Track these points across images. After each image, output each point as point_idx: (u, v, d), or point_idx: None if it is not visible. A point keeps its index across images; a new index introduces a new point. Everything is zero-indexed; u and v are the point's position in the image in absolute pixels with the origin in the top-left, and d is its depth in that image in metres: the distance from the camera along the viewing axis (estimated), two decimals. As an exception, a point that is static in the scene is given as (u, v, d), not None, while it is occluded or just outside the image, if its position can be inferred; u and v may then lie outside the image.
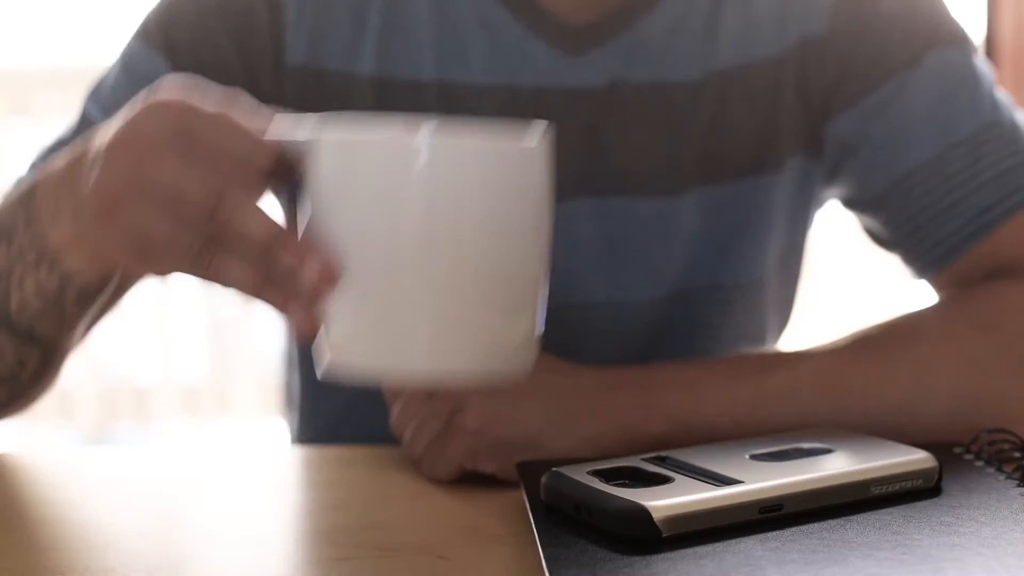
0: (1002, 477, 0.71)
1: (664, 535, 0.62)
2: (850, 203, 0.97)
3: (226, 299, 2.68)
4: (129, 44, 0.93)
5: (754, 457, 0.70)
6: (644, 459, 0.70)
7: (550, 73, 0.90)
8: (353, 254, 0.61)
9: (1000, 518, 0.64)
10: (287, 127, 0.64)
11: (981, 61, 0.94)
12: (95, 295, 0.82)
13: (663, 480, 0.66)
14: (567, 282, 0.93)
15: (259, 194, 0.64)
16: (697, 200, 0.93)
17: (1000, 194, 0.90)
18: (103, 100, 0.92)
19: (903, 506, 0.66)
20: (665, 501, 0.63)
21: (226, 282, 0.64)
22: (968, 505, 0.66)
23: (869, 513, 0.65)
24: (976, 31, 2.28)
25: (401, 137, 0.61)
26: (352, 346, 0.63)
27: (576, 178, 0.91)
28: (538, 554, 0.61)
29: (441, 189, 0.60)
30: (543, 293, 0.65)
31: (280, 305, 0.63)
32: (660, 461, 0.70)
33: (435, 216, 0.61)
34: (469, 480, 0.78)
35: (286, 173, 0.64)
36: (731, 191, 0.93)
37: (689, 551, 0.61)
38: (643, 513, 0.62)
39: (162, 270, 0.65)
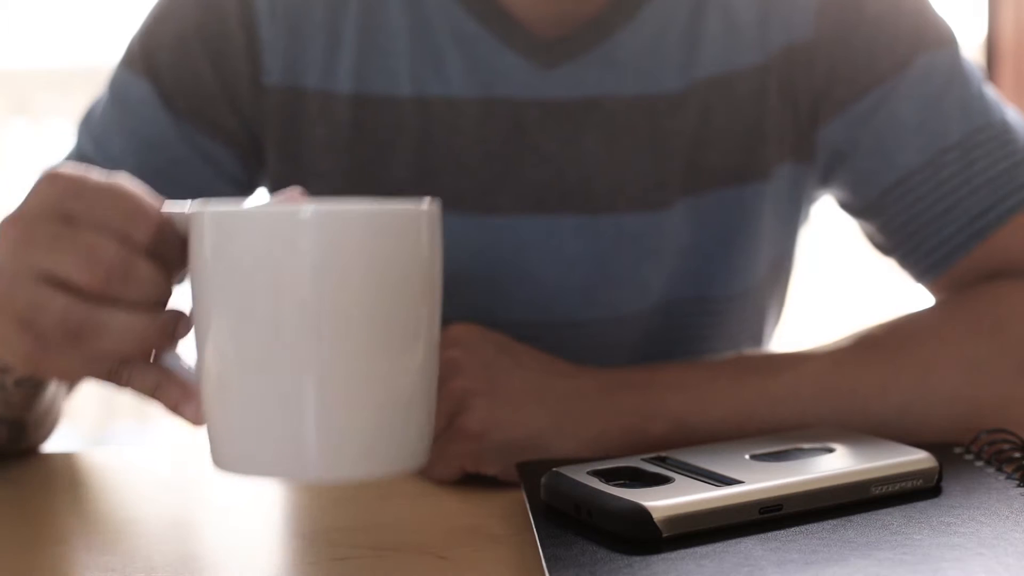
0: (1002, 477, 0.71)
1: (664, 535, 0.62)
2: (845, 208, 0.97)
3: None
4: (116, 71, 0.94)
5: (754, 457, 0.70)
6: (644, 459, 0.70)
7: (525, 86, 0.90)
8: (227, 341, 0.56)
9: (1000, 518, 0.64)
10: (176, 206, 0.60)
11: (968, 60, 0.93)
12: (38, 384, 0.81)
13: (663, 480, 0.66)
14: (553, 300, 0.93)
15: (140, 275, 0.60)
16: (684, 212, 0.92)
17: (994, 198, 0.90)
18: (94, 128, 0.93)
19: (903, 506, 0.66)
20: (665, 501, 0.63)
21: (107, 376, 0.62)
22: (968, 505, 0.66)
23: (869, 513, 0.65)
24: (976, 31, 2.29)
25: (282, 209, 0.56)
26: (231, 447, 0.57)
27: (559, 194, 0.91)
28: (538, 554, 0.61)
29: (325, 261, 0.54)
30: (435, 379, 0.59)
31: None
32: (660, 461, 0.70)
33: (319, 289, 0.54)
34: (469, 480, 0.78)
35: (171, 250, 0.61)
36: (718, 201, 0.93)
37: (689, 551, 0.61)
38: (643, 513, 0.62)
39: (59, 367, 0.61)
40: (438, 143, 0.91)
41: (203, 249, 0.57)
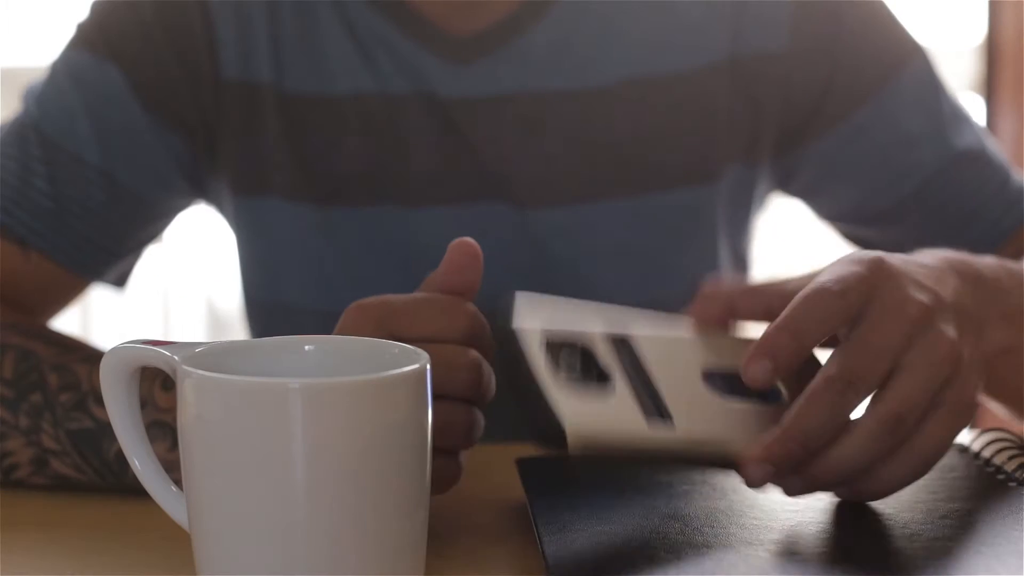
0: (1002, 477, 0.70)
1: (570, 452, 0.60)
2: (844, 218, 0.98)
3: (226, 296, 2.68)
4: (69, 53, 0.94)
5: (707, 378, 0.66)
6: (604, 338, 0.66)
7: (444, 84, 0.91)
8: (214, 499, 0.55)
9: (1001, 518, 0.64)
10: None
11: (935, 67, 0.96)
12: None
13: (603, 379, 0.64)
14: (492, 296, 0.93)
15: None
16: (620, 211, 0.93)
17: (1009, 200, 0.93)
18: (48, 106, 0.93)
19: (903, 506, 0.66)
20: (587, 422, 0.61)
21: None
22: (968, 505, 0.66)
23: (870, 514, 0.65)
24: (976, 31, 2.28)
25: (269, 382, 0.55)
26: None
27: (491, 186, 0.92)
28: (538, 554, 0.61)
29: (312, 432, 0.53)
30: (424, 534, 0.58)
31: None
32: (619, 346, 0.66)
33: (308, 459, 0.53)
34: (469, 480, 0.77)
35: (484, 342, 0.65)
36: (660, 201, 0.93)
37: (691, 564, 0.61)
38: (559, 430, 0.60)
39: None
40: (378, 139, 0.92)
41: (188, 407, 0.56)
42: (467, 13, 0.91)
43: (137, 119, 0.92)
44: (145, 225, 0.96)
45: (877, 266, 0.63)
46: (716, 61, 0.92)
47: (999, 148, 0.97)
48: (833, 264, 0.64)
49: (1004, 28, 2.24)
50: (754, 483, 0.61)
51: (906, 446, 0.62)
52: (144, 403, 0.71)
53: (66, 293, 0.95)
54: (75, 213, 0.92)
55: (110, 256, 0.95)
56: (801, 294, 0.61)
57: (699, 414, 0.64)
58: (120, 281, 0.98)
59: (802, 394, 0.61)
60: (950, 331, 0.63)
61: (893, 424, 0.61)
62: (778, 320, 0.61)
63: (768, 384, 0.61)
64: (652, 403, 0.64)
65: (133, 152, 0.92)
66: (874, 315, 0.61)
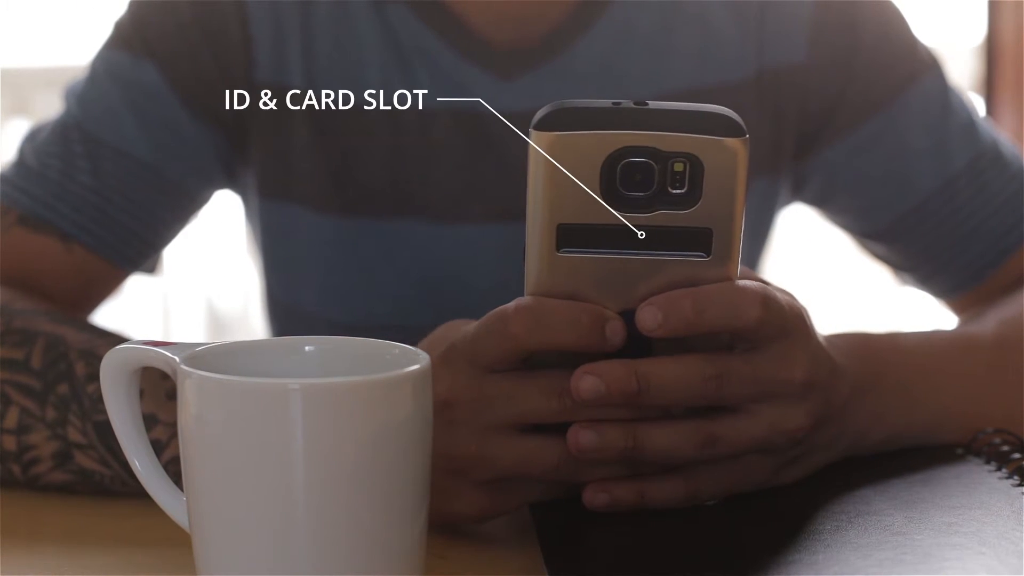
0: (1002, 477, 0.70)
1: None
2: (851, 231, 0.98)
3: (226, 296, 2.68)
4: (106, 52, 0.94)
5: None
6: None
7: (484, 98, 0.91)
8: (216, 499, 0.55)
9: (1001, 518, 0.64)
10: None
11: (951, 79, 0.96)
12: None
13: None
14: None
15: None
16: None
17: (1014, 217, 0.92)
18: (90, 108, 0.93)
19: (904, 507, 0.66)
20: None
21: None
22: (969, 505, 0.66)
23: (870, 515, 0.65)
24: (976, 31, 2.29)
25: (270, 382, 0.54)
26: None
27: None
28: (538, 554, 0.61)
29: (312, 433, 0.53)
30: (424, 534, 0.58)
31: None
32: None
33: (308, 460, 0.53)
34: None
35: None
36: None
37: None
38: None
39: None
40: (408, 152, 0.92)
41: (188, 407, 0.56)
42: (516, 26, 0.91)
43: (178, 114, 0.92)
44: (186, 216, 0.97)
45: (801, 317, 0.64)
46: (746, 75, 0.92)
47: (1016, 156, 0.95)
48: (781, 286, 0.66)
49: (1004, 28, 2.24)
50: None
51: (703, 467, 0.64)
52: (155, 420, 0.71)
53: (106, 286, 0.95)
54: (120, 207, 0.92)
55: (150, 248, 0.95)
56: (739, 282, 0.61)
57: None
58: (152, 268, 0.98)
59: (679, 354, 0.61)
60: (807, 415, 0.64)
61: (704, 440, 0.62)
62: (697, 288, 0.61)
63: (649, 333, 0.60)
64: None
65: (177, 146, 0.92)
66: (772, 352, 0.62)
